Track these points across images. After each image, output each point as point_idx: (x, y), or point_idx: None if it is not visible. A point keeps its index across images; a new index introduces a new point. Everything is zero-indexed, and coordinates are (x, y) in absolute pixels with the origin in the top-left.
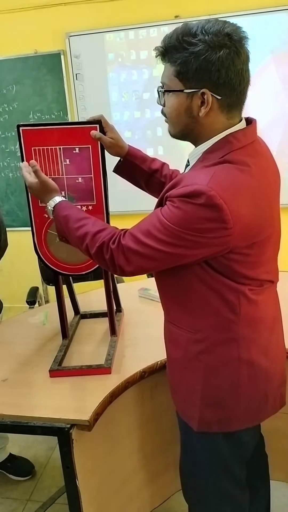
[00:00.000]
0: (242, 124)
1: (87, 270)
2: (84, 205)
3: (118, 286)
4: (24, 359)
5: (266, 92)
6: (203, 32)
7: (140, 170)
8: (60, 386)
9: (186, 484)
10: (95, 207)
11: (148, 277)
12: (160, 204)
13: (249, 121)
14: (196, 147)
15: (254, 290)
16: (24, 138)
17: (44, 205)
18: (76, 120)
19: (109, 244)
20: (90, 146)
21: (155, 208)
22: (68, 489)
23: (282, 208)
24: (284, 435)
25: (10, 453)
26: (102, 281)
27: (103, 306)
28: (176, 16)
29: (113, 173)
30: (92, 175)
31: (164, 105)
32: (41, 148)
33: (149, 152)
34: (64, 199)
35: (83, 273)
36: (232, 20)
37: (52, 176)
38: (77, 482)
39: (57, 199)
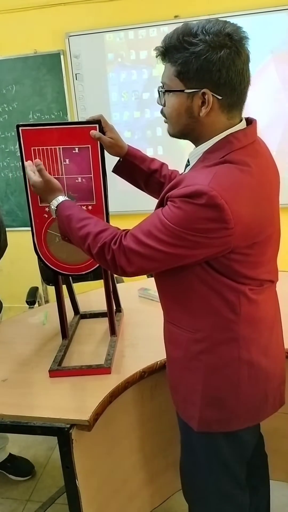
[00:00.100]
0: (243, 124)
1: (86, 270)
2: (83, 205)
3: (118, 286)
4: (24, 359)
5: (266, 92)
6: (204, 32)
7: (139, 170)
8: (60, 386)
9: (186, 484)
10: (95, 207)
11: (148, 277)
12: (161, 205)
13: (249, 121)
14: (196, 147)
15: (254, 290)
16: (23, 138)
17: (45, 205)
18: (75, 120)
19: (110, 244)
20: (89, 146)
21: (156, 209)
22: (68, 489)
23: (281, 208)
24: (284, 435)
25: (10, 453)
26: (102, 281)
27: (103, 306)
28: (175, 16)
29: (113, 173)
30: (92, 175)
31: (164, 105)
32: (40, 148)
33: (149, 152)
34: (67, 198)
35: (83, 273)
36: (232, 20)
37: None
38: (77, 482)
39: (60, 198)
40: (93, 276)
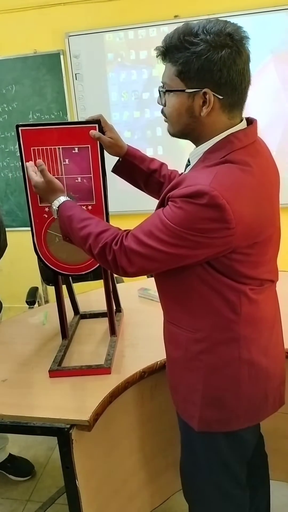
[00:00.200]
0: (243, 124)
1: (86, 270)
2: (83, 205)
3: (118, 286)
4: (24, 359)
5: (266, 92)
6: (205, 32)
7: (138, 170)
8: (60, 386)
9: (186, 484)
10: (95, 207)
11: (148, 277)
12: (161, 205)
13: (250, 121)
14: (196, 146)
15: (255, 290)
16: (23, 138)
17: (45, 205)
18: (75, 120)
19: (111, 245)
20: (89, 146)
21: (157, 209)
22: (68, 489)
23: (282, 208)
24: (284, 435)
25: (10, 453)
26: (101, 281)
27: (102, 306)
28: (175, 16)
29: (112, 173)
30: (92, 175)
31: (164, 105)
32: (40, 148)
33: (149, 152)
34: (68, 199)
35: (83, 273)
36: (232, 20)
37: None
38: (77, 482)
39: (62, 199)
40: (93, 276)
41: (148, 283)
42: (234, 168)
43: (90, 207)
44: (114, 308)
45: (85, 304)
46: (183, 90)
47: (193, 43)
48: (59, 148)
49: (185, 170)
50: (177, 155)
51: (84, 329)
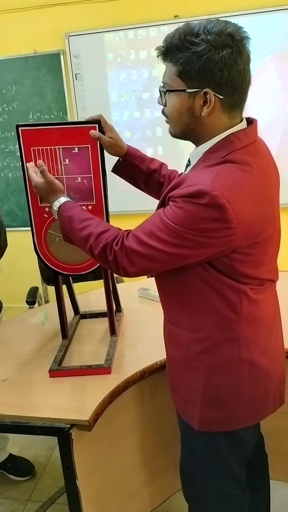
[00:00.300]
0: (243, 124)
1: (86, 270)
2: (83, 205)
3: (118, 286)
4: (24, 359)
5: (266, 92)
6: (206, 32)
7: (138, 170)
8: (60, 386)
9: (186, 484)
10: (95, 207)
11: (148, 277)
12: (162, 205)
13: (250, 121)
14: (197, 146)
15: (255, 290)
16: (23, 138)
17: (45, 205)
18: (75, 120)
19: (112, 245)
20: (89, 146)
21: (157, 209)
22: (68, 489)
23: (282, 207)
24: (284, 435)
25: (10, 453)
26: (102, 281)
27: (103, 306)
28: (175, 16)
29: (112, 173)
30: (92, 175)
31: (165, 105)
32: (40, 148)
33: (149, 152)
34: (69, 199)
35: (83, 273)
36: (232, 20)
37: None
38: (77, 482)
39: (62, 199)
40: (93, 276)
41: (148, 283)
42: (235, 168)
43: (90, 207)
44: (114, 308)
45: (85, 304)
46: (184, 90)
47: (194, 43)
48: (59, 148)
49: (185, 170)
50: (177, 155)
51: (84, 329)
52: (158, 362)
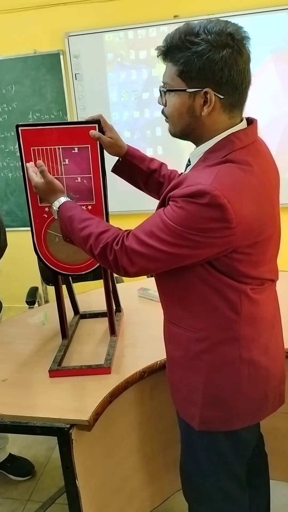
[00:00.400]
0: (244, 124)
1: (86, 270)
2: (83, 205)
3: (118, 286)
4: (24, 359)
5: (266, 92)
6: (206, 31)
7: (138, 170)
8: (60, 386)
9: (186, 483)
10: (95, 207)
11: (147, 277)
12: (162, 205)
13: (250, 121)
14: (197, 146)
15: (255, 289)
16: (23, 138)
17: (44, 205)
18: (75, 120)
19: (112, 245)
20: (89, 145)
21: (157, 209)
22: (68, 489)
23: (282, 207)
24: (284, 435)
25: (10, 453)
26: (101, 281)
27: (102, 306)
28: (175, 16)
29: (112, 173)
30: (92, 175)
31: (165, 105)
32: (40, 148)
33: (148, 152)
34: (68, 199)
35: (83, 273)
36: (231, 20)
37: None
38: (77, 482)
39: (62, 199)
40: (93, 276)
41: (148, 283)
42: (235, 167)
43: (90, 207)
44: (114, 308)
45: (85, 304)
46: (184, 90)
47: (195, 43)
48: (59, 148)
49: (185, 170)
50: (177, 155)
51: (84, 329)
52: (158, 362)
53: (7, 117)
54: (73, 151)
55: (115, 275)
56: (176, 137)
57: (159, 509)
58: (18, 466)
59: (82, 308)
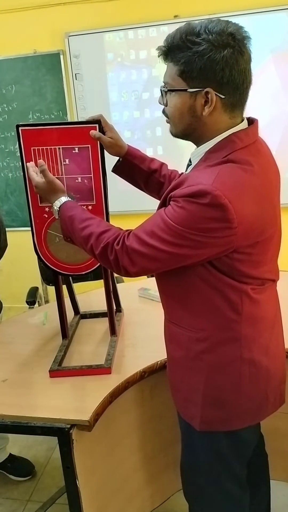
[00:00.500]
0: (244, 124)
1: (87, 270)
2: (83, 205)
3: (118, 286)
4: (24, 359)
5: (266, 92)
6: (207, 31)
7: (139, 170)
8: (60, 386)
9: (186, 483)
10: (95, 207)
11: (148, 277)
12: (163, 205)
13: (251, 121)
14: (198, 146)
15: (256, 289)
16: (23, 138)
17: (45, 205)
18: (75, 120)
19: (113, 245)
20: (89, 146)
21: (158, 209)
22: (69, 489)
23: (282, 207)
24: (284, 435)
25: (10, 453)
26: (102, 281)
27: (103, 306)
28: (175, 16)
29: (113, 173)
30: (92, 175)
31: (166, 105)
32: (40, 148)
33: (149, 152)
34: (69, 199)
35: (83, 273)
36: (231, 20)
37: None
38: (77, 482)
39: (63, 199)
40: (93, 276)
41: (148, 283)
42: (236, 167)
43: (90, 207)
44: (114, 308)
45: (85, 304)
46: (185, 90)
47: (195, 43)
48: (59, 148)
49: (186, 170)
50: (177, 155)
51: (84, 329)
52: (158, 362)
53: (7, 117)
54: (73, 151)
55: (115, 275)
56: (177, 137)
57: (159, 509)
58: (19, 466)
59: (82, 308)
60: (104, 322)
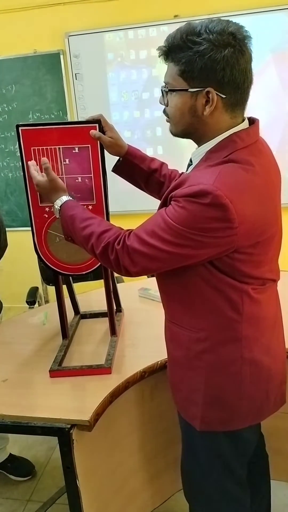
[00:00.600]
0: (245, 124)
1: (87, 270)
2: (84, 205)
3: (118, 286)
4: (24, 359)
5: (266, 92)
6: (207, 31)
7: (139, 170)
8: (60, 386)
9: (187, 483)
10: (95, 207)
11: (148, 277)
12: (164, 204)
13: (252, 121)
14: (199, 146)
15: (257, 289)
16: (23, 138)
17: (45, 204)
18: (75, 119)
19: (114, 244)
20: (89, 145)
21: (159, 208)
22: (69, 489)
23: (283, 207)
24: (284, 435)
25: (10, 453)
26: (102, 281)
27: (103, 306)
28: (175, 16)
29: (113, 172)
30: (92, 175)
31: (167, 105)
32: (40, 148)
33: (149, 152)
34: (70, 198)
35: (83, 273)
36: (231, 20)
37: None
38: (77, 482)
39: (64, 198)
40: (93, 276)
41: (149, 283)
42: (237, 167)
43: (90, 207)
44: (115, 308)
45: (85, 304)
46: (186, 90)
47: (196, 43)
48: (59, 148)
49: (187, 170)
50: (177, 155)
51: (85, 329)
52: (159, 362)
53: (7, 117)
54: (73, 151)
55: (115, 275)
56: (178, 137)
57: (159, 509)
58: (19, 466)
59: (82, 308)
60: (104, 322)
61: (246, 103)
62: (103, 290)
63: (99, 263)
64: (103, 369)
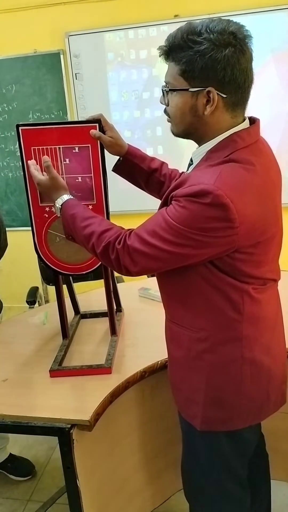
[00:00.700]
0: (246, 123)
1: (87, 270)
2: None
3: (118, 285)
4: (24, 359)
5: (266, 92)
6: (208, 30)
7: (139, 169)
8: (61, 386)
9: (187, 483)
10: (95, 207)
11: (148, 276)
12: (164, 204)
13: (252, 121)
14: (199, 146)
15: (257, 289)
16: (23, 138)
17: (45, 204)
18: (75, 119)
19: (114, 244)
20: (89, 145)
21: (160, 208)
22: (69, 489)
23: (283, 207)
24: (284, 435)
25: (10, 453)
26: (102, 281)
27: (103, 306)
28: (175, 16)
29: (113, 172)
30: (92, 174)
31: (167, 105)
32: (40, 147)
33: (149, 152)
34: (71, 197)
35: (83, 273)
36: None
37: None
38: (77, 482)
39: (65, 197)
40: (94, 276)
41: (149, 283)
42: (238, 167)
43: (90, 207)
44: (115, 307)
45: (86, 304)
46: (187, 89)
47: (197, 42)
48: (59, 147)
49: (187, 169)
50: (177, 154)
51: (85, 329)
52: (159, 362)
53: (7, 117)
54: (73, 151)
55: (116, 274)
56: (179, 137)
57: (160, 509)
58: (19, 466)
59: (82, 308)
60: (104, 322)
61: (247, 103)
62: (103, 290)
63: (99, 263)
64: (103, 369)
